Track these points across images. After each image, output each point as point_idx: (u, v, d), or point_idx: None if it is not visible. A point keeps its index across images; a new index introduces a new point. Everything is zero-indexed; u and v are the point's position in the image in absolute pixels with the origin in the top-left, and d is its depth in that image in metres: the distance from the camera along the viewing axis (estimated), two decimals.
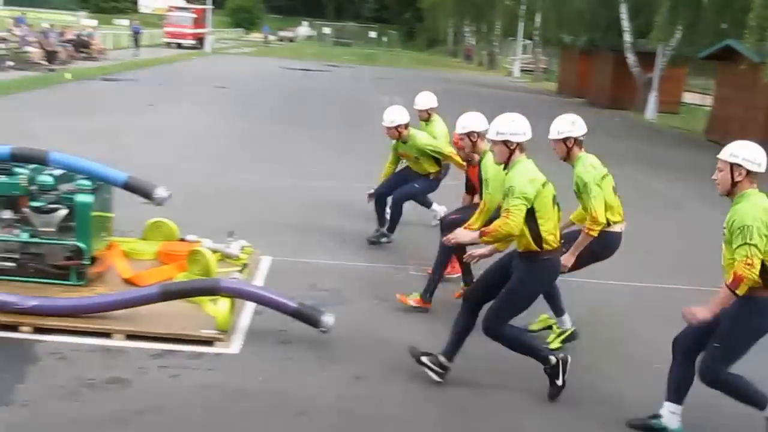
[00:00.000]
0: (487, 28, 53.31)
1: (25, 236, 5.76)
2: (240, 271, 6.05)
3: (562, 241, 4.87)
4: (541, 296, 5.20)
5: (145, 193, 6.04)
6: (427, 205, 8.44)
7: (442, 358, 4.85)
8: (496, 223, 4.65)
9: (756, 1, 16.64)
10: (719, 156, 4.19)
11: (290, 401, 4.59)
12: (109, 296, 5.39)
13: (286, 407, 4.52)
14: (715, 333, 4.19)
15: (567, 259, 5.18)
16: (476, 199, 6.33)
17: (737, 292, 3.97)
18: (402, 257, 7.54)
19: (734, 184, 4.14)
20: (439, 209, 8.30)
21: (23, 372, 4.66)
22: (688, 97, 31.23)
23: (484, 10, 49.55)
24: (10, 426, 4.06)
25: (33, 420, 4.14)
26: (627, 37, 26.68)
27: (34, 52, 25.08)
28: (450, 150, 7.29)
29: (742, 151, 4.12)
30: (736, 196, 4.15)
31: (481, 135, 5.81)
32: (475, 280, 5.80)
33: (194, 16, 48.35)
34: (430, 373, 4.84)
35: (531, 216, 4.56)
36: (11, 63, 23.92)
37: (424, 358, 4.88)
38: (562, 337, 5.62)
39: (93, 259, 5.83)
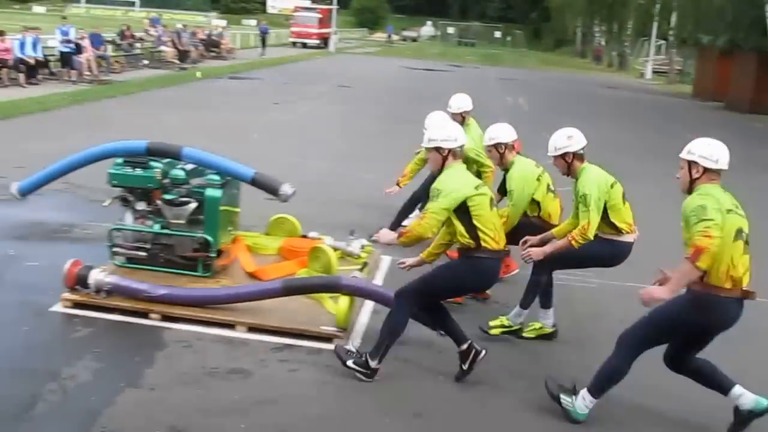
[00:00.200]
0: (618, 27, 51.64)
1: (157, 227, 6.01)
2: (360, 270, 6.08)
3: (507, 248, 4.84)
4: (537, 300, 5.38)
5: (272, 190, 6.14)
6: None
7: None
8: (412, 224, 4.85)
9: None
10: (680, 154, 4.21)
11: (407, 402, 4.55)
12: (233, 289, 5.54)
13: (403, 408, 4.49)
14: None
15: (537, 252, 5.16)
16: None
17: (698, 264, 3.87)
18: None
19: (693, 181, 4.15)
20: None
21: (152, 357, 4.86)
22: None
23: (616, 9, 48.07)
24: (139, 407, 4.23)
25: (159, 404, 4.30)
26: None
27: (168, 51, 26.38)
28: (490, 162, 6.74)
29: (699, 149, 4.15)
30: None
31: (508, 146, 5.79)
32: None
33: (319, 16, 49.50)
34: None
35: (467, 216, 4.57)
36: (146, 61, 25.30)
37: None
38: (541, 333, 5.57)
39: (219, 252, 6.01)
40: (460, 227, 4.61)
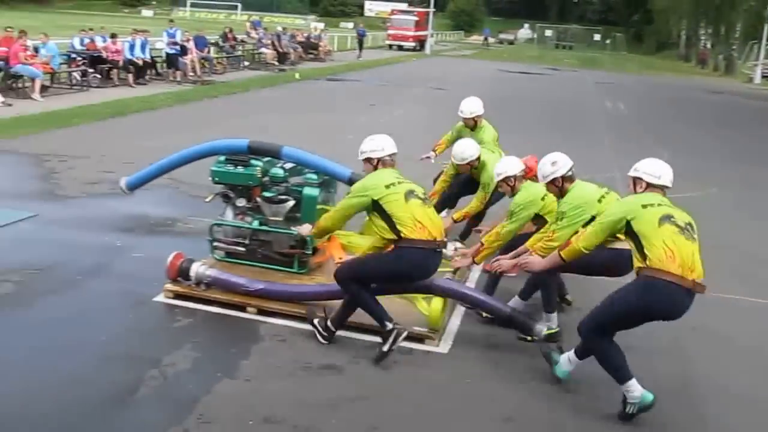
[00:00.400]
0: (726, 30, 49.59)
1: (255, 224, 6.16)
2: (453, 273, 6.06)
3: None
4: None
5: None
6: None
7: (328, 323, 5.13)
8: (321, 217, 5.34)
9: None
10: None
11: (497, 406, 4.52)
12: (328, 286, 5.61)
13: (493, 412, 4.45)
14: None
15: (509, 263, 5.27)
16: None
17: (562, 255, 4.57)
18: None
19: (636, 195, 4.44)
20: (446, 219, 7.61)
21: (248, 350, 5.00)
22: None
23: (724, 11, 46.20)
24: (235, 398, 4.36)
25: (254, 395, 4.41)
26: None
27: (268, 53, 27.09)
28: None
29: (643, 166, 4.48)
30: None
31: (517, 177, 5.87)
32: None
33: (416, 18, 49.59)
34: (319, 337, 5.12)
35: (383, 213, 4.85)
36: (247, 63, 26.03)
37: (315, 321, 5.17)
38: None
39: (314, 250, 6.11)
40: (380, 223, 4.90)
